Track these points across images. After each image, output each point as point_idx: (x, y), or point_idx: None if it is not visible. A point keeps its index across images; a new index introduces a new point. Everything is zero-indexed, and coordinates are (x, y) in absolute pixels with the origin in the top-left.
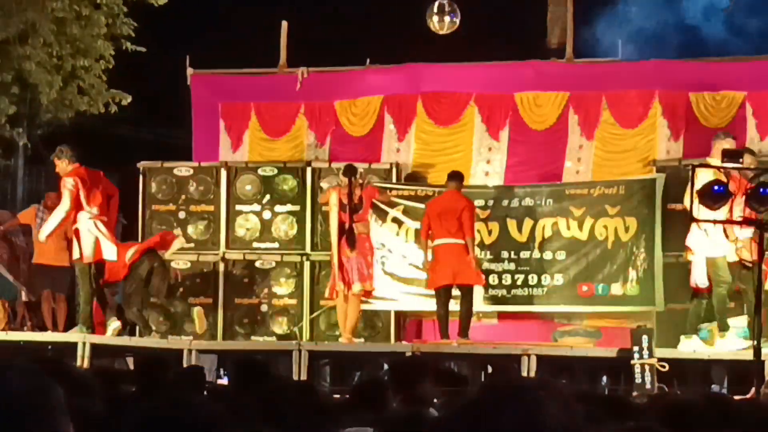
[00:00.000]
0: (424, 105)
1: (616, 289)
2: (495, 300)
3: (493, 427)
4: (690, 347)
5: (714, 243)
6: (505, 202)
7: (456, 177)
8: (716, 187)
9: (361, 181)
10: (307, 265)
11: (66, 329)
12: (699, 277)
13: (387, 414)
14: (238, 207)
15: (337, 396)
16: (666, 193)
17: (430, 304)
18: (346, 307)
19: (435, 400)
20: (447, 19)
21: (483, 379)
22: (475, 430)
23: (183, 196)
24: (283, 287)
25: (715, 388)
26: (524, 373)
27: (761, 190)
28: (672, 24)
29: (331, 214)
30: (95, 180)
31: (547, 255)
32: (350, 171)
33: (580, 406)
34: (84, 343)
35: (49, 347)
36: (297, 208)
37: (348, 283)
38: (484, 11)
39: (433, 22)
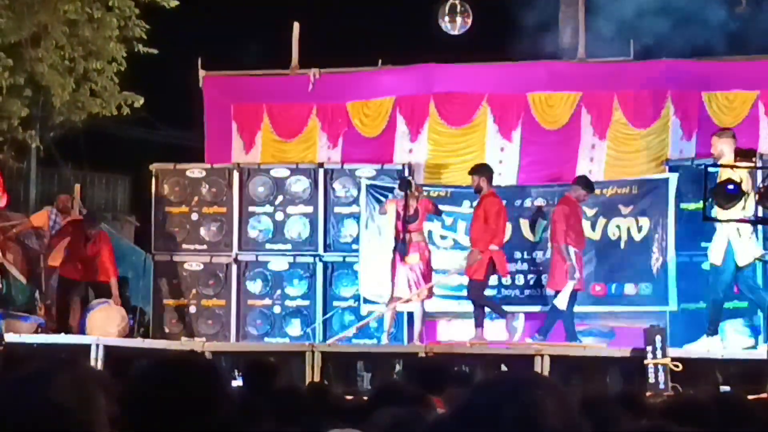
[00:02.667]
0: (436, 105)
1: (630, 289)
2: (508, 300)
3: (490, 425)
4: None
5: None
6: (518, 202)
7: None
8: (729, 186)
9: (416, 193)
10: (319, 266)
11: (80, 332)
12: None
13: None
14: (250, 208)
15: (350, 397)
16: (679, 193)
17: (444, 305)
18: (394, 313)
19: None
20: (459, 19)
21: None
22: (472, 427)
23: (195, 198)
24: (295, 288)
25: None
26: None
27: None
28: (684, 23)
29: (389, 224)
30: None
31: None
32: (405, 184)
33: (583, 404)
34: (97, 346)
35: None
36: (309, 209)
37: (410, 288)
38: (495, 11)
39: (445, 23)
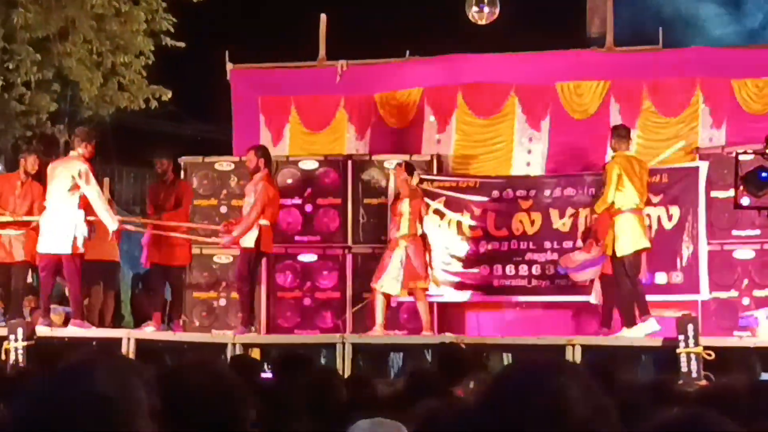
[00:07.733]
0: (464, 96)
1: (661, 278)
2: (539, 290)
3: (518, 417)
4: None
5: None
6: (547, 192)
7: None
8: (763, 174)
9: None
10: (349, 258)
11: (113, 325)
12: None
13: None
14: (279, 201)
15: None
16: (709, 181)
17: (473, 296)
18: (384, 302)
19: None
20: (486, 9)
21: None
22: (499, 419)
23: (224, 191)
24: (325, 280)
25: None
26: None
27: None
28: (712, 11)
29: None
30: None
31: None
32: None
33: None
34: (129, 339)
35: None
36: (338, 201)
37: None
38: (523, 1)
39: (473, 13)
